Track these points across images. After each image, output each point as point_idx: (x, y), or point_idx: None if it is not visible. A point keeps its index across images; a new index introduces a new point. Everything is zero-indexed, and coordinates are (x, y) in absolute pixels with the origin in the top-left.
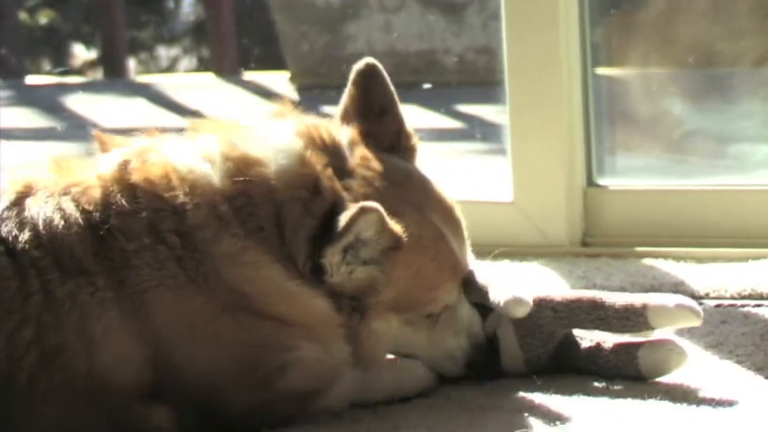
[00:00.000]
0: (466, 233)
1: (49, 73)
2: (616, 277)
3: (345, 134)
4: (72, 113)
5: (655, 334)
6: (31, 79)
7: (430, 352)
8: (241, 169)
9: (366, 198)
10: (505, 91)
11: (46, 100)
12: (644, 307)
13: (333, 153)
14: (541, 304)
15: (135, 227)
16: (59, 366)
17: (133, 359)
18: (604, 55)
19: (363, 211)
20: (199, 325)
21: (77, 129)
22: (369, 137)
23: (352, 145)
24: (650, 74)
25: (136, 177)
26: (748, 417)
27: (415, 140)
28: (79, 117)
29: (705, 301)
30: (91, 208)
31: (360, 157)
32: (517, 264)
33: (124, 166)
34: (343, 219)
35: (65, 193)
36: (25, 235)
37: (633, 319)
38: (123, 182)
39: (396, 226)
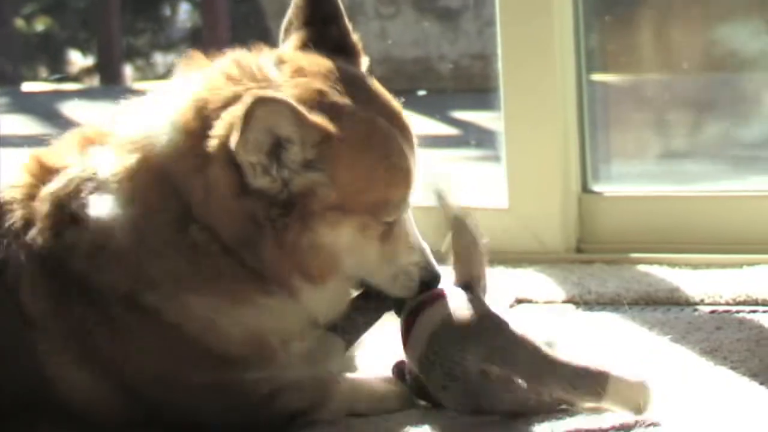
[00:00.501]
0: (416, 142)
1: (45, 80)
2: (611, 284)
3: (269, 56)
4: (68, 120)
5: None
6: (27, 86)
7: (385, 268)
8: (132, 173)
9: (303, 102)
10: (500, 98)
11: (43, 107)
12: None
13: (251, 83)
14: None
15: (66, 273)
16: (43, 396)
17: (101, 395)
18: (599, 61)
19: (261, 101)
20: (154, 369)
21: None
22: (313, 44)
23: (280, 63)
24: (645, 80)
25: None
26: (743, 424)
27: (360, 47)
28: (75, 124)
29: (700, 307)
30: (37, 253)
31: (292, 70)
32: (511, 270)
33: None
34: (239, 110)
35: (17, 237)
36: None
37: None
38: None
39: (318, 118)
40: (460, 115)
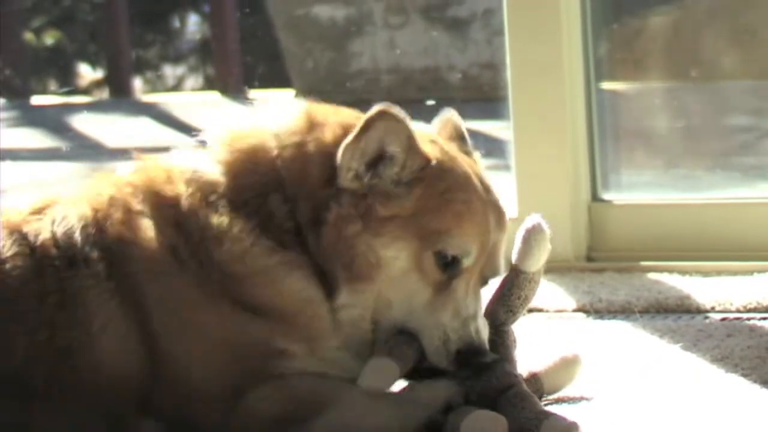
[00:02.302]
0: (505, 224)
1: (54, 93)
2: (622, 292)
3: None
4: (78, 133)
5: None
6: (36, 100)
7: (425, 319)
8: (235, 143)
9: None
10: (509, 107)
11: (52, 121)
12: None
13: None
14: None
15: (135, 221)
16: (70, 367)
17: (132, 348)
18: (608, 69)
19: (386, 114)
20: (186, 315)
21: (83, 149)
22: None
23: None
24: (653, 88)
25: (139, 178)
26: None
27: (478, 160)
28: (84, 137)
29: (711, 315)
30: (98, 206)
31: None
32: None
33: (136, 172)
34: (362, 119)
35: (80, 201)
36: (43, 235)
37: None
38: (131, 185)
39: (427, 147)
40: (469, 124)
